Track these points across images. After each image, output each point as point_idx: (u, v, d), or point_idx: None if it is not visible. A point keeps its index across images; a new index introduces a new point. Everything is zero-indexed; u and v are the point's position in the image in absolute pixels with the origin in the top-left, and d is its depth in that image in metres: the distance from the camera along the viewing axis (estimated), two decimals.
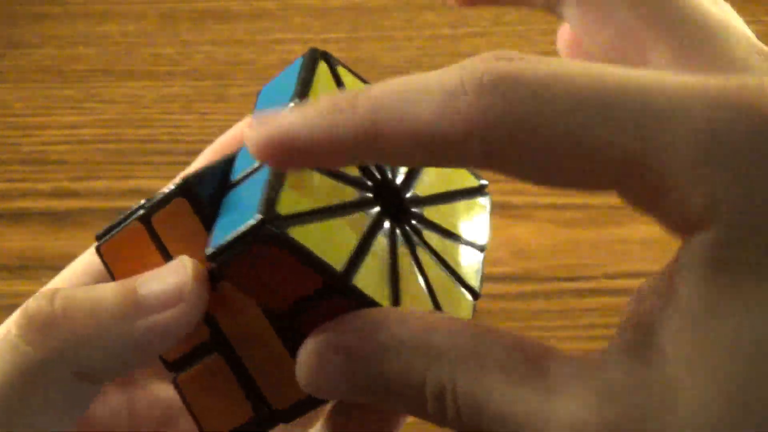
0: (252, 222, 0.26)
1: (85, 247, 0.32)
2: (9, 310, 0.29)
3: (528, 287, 0.58)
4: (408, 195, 0.30)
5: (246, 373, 0.29)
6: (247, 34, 0.73)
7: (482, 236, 0.31)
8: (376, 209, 0.29)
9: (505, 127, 0.22)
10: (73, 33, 0.74)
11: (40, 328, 0.28)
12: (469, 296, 0.30)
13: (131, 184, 0.63)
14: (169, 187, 0.29)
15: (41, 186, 0.64)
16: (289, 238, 0.26)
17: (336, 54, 0.30)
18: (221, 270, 0.27)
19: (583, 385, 0.23)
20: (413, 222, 0.30)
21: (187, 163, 0.33)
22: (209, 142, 0.34)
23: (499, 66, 0.23)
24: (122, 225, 0.29)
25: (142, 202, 0.29)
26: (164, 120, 0.67)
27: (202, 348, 0.29)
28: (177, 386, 0.30)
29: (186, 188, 0.29)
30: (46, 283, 0.32)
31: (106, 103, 0.69)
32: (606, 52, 0.27)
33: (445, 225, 0.30)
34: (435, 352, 0.24)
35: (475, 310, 0.30)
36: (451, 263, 0.30)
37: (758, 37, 0.26)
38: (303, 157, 0.24)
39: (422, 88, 0.23)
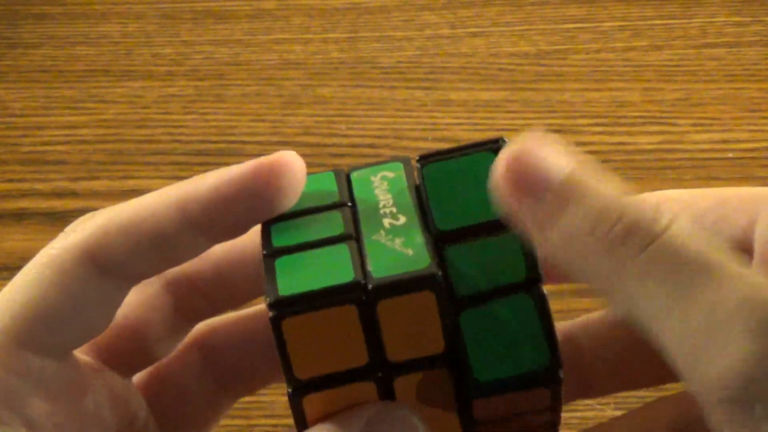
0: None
1: None
2: None
3: None
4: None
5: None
6: (247, 34, 0.73)
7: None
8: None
9: None
10: (73, 33, 0.74)
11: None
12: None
13: (131, 184, 0.63)
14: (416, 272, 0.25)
15: (41, 186, 0.64)
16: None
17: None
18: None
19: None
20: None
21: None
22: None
23: None
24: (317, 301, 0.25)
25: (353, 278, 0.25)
26: (164, 120, 0.67)
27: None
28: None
29: (433, 280, 0.25)
30: None
31: (105, 103, 0.69)
32: None
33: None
34: None
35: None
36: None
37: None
38: None
39: None
